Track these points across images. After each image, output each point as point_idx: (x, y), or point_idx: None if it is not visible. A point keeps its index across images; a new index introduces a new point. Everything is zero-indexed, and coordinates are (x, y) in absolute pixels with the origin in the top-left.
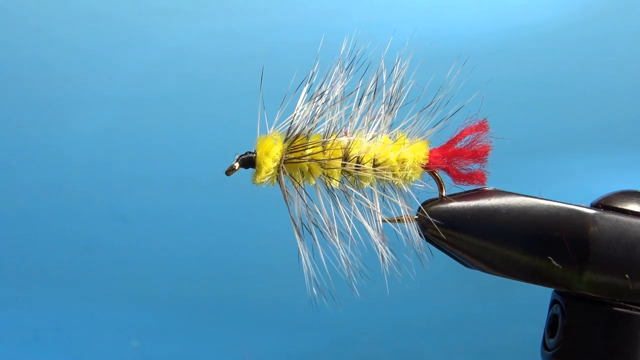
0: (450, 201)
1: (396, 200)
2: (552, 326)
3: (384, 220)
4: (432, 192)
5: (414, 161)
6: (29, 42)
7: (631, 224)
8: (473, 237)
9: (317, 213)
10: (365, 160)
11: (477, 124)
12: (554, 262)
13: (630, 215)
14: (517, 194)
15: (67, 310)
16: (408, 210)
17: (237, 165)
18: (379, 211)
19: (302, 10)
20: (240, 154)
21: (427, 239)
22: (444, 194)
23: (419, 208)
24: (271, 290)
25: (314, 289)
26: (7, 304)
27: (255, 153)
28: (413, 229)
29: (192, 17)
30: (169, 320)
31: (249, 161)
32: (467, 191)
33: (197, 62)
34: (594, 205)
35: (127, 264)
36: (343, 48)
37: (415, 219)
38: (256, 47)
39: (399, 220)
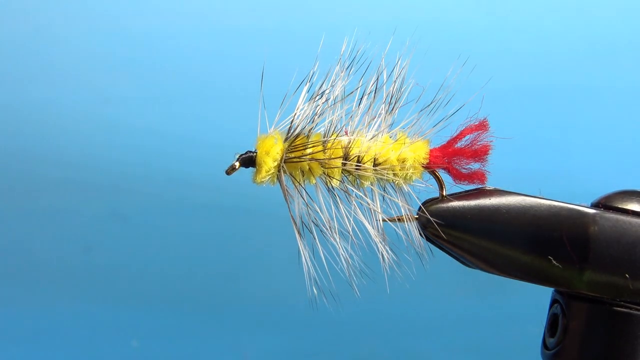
0: (451, 201)
1: (397, 200)
2: (552, 325)
3: (384, 220)
4: (433, 191)
5: (414, 160)
6: (30, 40)
7: (632, 223)
8: (473, 236)
9: (318, 212)
10: (365, 159)
11: (477, 123)
12: (554, 262)
13: (630, 215)
14: (517, 194)
15: (67, 310)
16: (408, 209)
17: (237, 164)
18: (379, 210)
19: (302, 9)
20: (241, 153)
21: (428, 239)
22: (444, 193)
23: (420, 207)
24: (271, 290)
25: (314, 289)
26: (7, 304)
27: (256, 152)
28: (413, 228)
29: (194, 16)
30: (169, 320)
31: (249, 160)
32: (468, 190)
33: (197, 61)
34: (594, 205)
35: (127, 264)
36: (343, 47)
37: (416, 218)
38: (257, 46)
39: (399, 219)
